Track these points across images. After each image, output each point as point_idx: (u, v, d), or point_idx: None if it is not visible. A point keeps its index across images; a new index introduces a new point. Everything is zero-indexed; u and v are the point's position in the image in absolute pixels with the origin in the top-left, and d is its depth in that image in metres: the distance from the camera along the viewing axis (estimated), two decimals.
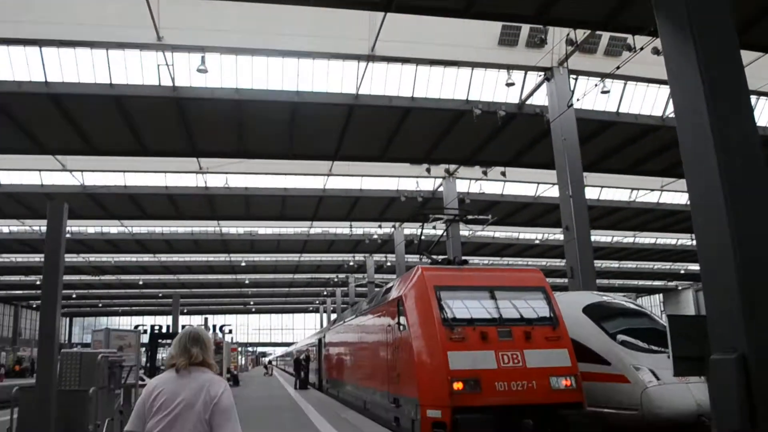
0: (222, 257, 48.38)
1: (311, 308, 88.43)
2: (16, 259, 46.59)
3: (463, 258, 14.20)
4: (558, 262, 47.73)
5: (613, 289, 62.32)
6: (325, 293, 67.66)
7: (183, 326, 20.26)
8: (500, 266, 41.15)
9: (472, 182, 29.10)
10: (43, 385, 7.88)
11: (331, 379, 25.25)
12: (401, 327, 12.01)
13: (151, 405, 3.38)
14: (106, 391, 9.09)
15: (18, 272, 52.67)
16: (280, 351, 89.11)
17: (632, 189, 31.78)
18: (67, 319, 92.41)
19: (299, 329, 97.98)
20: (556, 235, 39.00)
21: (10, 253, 44.35)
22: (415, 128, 21.97)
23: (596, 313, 12.77)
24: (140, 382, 12.14)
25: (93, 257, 47.06)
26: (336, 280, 55.65)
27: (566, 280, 18.45)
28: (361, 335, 17.26)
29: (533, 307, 11.49)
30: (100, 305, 79.67)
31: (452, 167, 27.89)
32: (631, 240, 44.48)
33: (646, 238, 44.59)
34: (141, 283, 57.44)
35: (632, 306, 13.48)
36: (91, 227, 38.76)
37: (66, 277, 51.41)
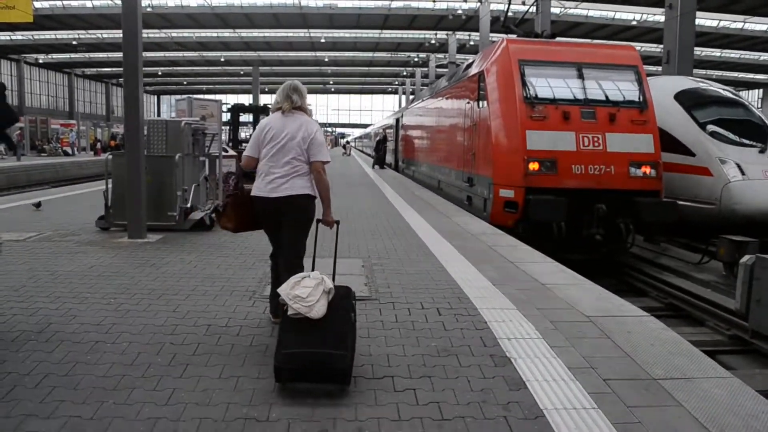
0: (301, 33, 47.69)
1: (390, 89, 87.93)
2: (101, 35, 47.50)
3: (552, 33, 13.28)
4: (654, 47, 44.35)
5: (710, 80, 58.16)
6: (404, 73, 66.55)
7: (264, 104, 20.64)
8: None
9: None
10: (132, 150, 8.31)
11: (406, 159, 25.76)
12: (480, 104, 11.73)
13: (264, 136, 4.47)
14: (191, 158, 9.53)
15: (105, 49, 54.06)
16: (358, 132, 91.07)
17: None
18: (155, 97, 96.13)
19: (378, 110, 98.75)
20: (656, 15, 35.74)
21: (95, 29, 45.17)
22: None
23: (689, 99, 11.99)
24: (224, 153, 12.69)
25: (175, 33, 47.36)
26: (416, 59, 54.29)
27: (660, 68, 17.22)
28: (438, 114, 17.10)
29: (622, 87, 10.87)
30: (185, 83, 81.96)
31: None
32: (739, 26, 40.29)
33: (757, 24, 40.26)
34: (223, 59, 58.08)
35: (729, 94, 12.50)
36: (171, 0, 38.55)
37: (149, 54, 52.62)
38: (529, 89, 10.51)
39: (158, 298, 5.26)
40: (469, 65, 13.96)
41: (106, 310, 4.89)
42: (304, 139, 4.40)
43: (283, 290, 3.67)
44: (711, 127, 11.27)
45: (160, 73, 68.44)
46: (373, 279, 6.16)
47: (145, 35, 8.66)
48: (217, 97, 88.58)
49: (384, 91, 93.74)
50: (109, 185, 9.03)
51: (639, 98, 10.76)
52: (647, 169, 10.37)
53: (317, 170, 4.40)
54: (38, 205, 11.04)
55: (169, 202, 8.89)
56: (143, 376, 3.61)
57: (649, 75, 11.74)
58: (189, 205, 9.10)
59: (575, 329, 4.61)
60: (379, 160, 30.88)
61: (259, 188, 4.46)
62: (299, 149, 4.39)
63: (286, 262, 4.39)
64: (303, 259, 4.47)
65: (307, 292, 3.60)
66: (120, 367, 3.73)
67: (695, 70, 21.27)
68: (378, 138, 34.33)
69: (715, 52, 49.46)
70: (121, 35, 8.30)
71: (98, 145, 48.39)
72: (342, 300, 3.72)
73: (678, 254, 11.25)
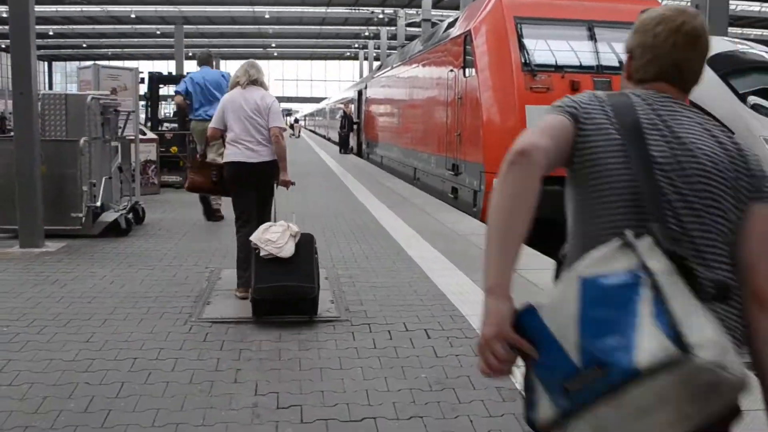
0: None
1: (349, 54, 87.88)
2: None
3: None
4: (679, 2, 45.24)
5: (749, 41, 59.49)
6: (366, 34, 66.54)
7: (187, 72, 20.47)
8: None
9: None
10: (22, 133, 8.13)
11: (372, 141, 25.83)
12: (467, 72, 11.78)
13: (227, 109, 6.14)
14: (100, 143, 9.36)
15: None
16: (309, 108, 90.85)
17: None
18: (46, 63, 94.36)
19: (333, 81, 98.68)
20: None
21: None
22: None
23: (725, 65, 12.22)
24: (141, 136, 12.53)
25: None
26: (381, 16, 54.35)
27: None
28: (412, 85, 17.14)
29: None
30: (85, 45, 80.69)
31: None
32: None
33: None
34: (133, 16, 57.31)
35: None
36: None
37: (39, 7, 51.72)
38: (528, 54, 10.58)
39: (65, 325, 5.16)
40: (452, 24, 14.03)
41: None
42: (264, 108, 6.09)
43: (255, 236, 5.36)
44: (753, 99, 11.51)
45: (51, 33, 67.15)
46: (341, 294, 6.15)
47: None
48: (128, 64, 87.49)
49: (341, 57, 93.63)
50: None
51: None
52: None
53: (275, 135, 6.11)
54: None
55: (73, 200, 8.70)
56: (52, 428, 3.53)
57: None
58: (99, 204, 8.95)
59: None
60: (344, 143, 30.87)
61: (234, 155, 6.10)
62: (262, 119, 6.08)
63: (260, 217, 6.08)
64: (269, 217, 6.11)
65: (276, 236, 5.30)
66: (21, 416, 3.64)
67: (731, 29, 21.70)
68: (340, 114, 34.28)
69: (754, 6, 50.48)
70: None
71: None
72: (307, 243, 5.45)
73: None
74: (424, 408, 3.80)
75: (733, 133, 2.01)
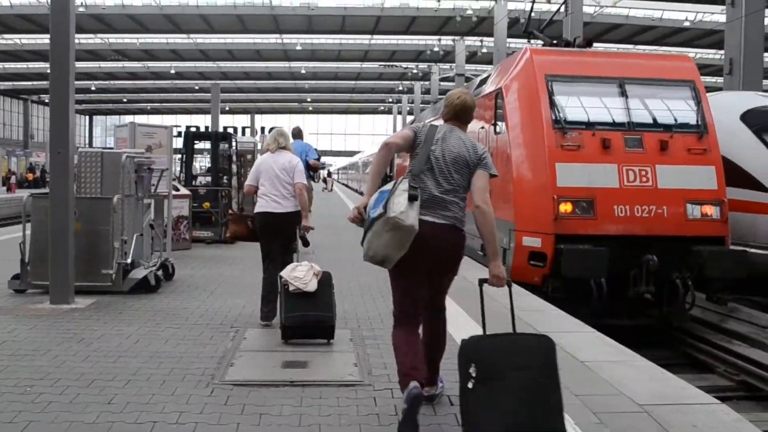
0: (272, 38, 48.26)
1: (382, 108, 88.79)
2: (21, 41, 47.99)
3: (587, 40, 13.47)
4: (712, 54, 45.15)
5: None
6: (400, 88, 67.25)
7: (225, 127, 20.78)
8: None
9: None
10: (58, 191, 8.28)
11: None
12: (498, 129, 11.81)
13: (260, 170, 7.51)
14: (133, 200, 9.52)
15: (24, 58, 54.48)
16: (342, 161, 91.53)
17: None
18: (87, 117, 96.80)
19: (367, 134, 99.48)
20: (714, 14, 36.47)
21: (13, 33, 45.64)
22: None
23: (759, 120, 12.12)
24: (174, 192, 12.72)
25: (114, 38, 47.93)
26: (415, 71, 54.96)
27: (720, 80, 17.45)
28: None
29: (675, 107, 10.97)
30: (125, 100, 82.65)
31: None
32: None
33: None
34: (173, 71, 58.70)
35: None
36: None
37: (80, 64, 53.15)
38: (558, 111, 10.59)
39: (89, 386, 5.18)
40: (483, 81, 14.11)
41: (21, 402, 4.81)
42: (290, 170, 7.44)
43: (285, 273, 6.61)
44: None
45: (93, 88, 68.98)
46: (365, 357, 6.10)
47: (76, 41, 8.76)
48: (167, 118, 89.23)
49: (375, 111, 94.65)
50: (27, 234, 8.98)
51: (697, 121, 10.84)
52: (709, 210, 10.39)
53: (299, 188, 7.43)
54: None
55: (104, 256, 8.82)
56: None
57: (707, 90, 11.87)
58: (129, 261, 9.04)
59: (626, 422, 4.56)
60: None
61: (263, 206, 7.39)
62: (288, 177, 7.39)
63: (284, 259, 7.33)
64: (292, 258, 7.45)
65: (302, 274, 6.58)
66: None
67: (765, 82, 21.51)
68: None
69: None
70: (47, 40, 8.36)
71: (12, 179, 48.27)
72: (326, 280, 6.69)
73: (750, 317, 11.19)
74: None
75: None
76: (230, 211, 14.88)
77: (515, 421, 3.62)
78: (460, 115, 4.80)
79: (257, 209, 7.46)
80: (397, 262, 4.36)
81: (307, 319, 6.43)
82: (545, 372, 3.82)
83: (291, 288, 6.49)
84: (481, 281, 4.49)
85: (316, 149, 13.97)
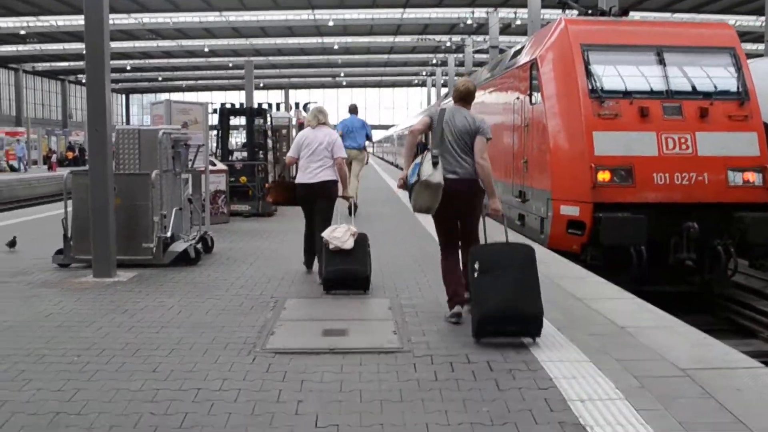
0: (304, 15, 48.21)
1: (416, 81, 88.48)
2: (57, 23, 48.51)
3: (623, 9, 13.28)
4: (752, 20, 44.12)
5: None
6: (434, 61, 66.82)
7: (259, 103, 20.86)
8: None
9: None
10: (97, 169, 8.40)
11: None
12: (533, 100, 11.72)
13: (302, 143, 8.30)
14: (171, 175, 9.61)
15: (61, 39, 55.10)
16: (377, 135, 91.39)
17: None
18: (123, 96, 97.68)
19: (401, 108, 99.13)
20: None
21: (49, 15, 46.17)
22: None
23: None
24: (211, 167, 12.82)
25: (148, 17, 48.24)
26: (449, 44, 54.56)
27: (761, 46, 17.11)
28: (480, 112, 16.85)
29: (715, 74, 10.84)
30: (160, 78, 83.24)
31: None
32: None
33: None
34: (207, 49, 58.96)
35: None
36: None
37: (116, 44, 53.63)
38: (595, 80, 10.51)
39: (133, 355, 5.28)
40: (518, 52, 13.99)
41: (68, 371, 4.91)
42: (329, 144, 8.23)
43: (326, 234, 7.51)
44: None
45: (129, 68, 69.62)
46: (403, 325, 6.14)
47: (110, 21, 8.85)
48: (201, 95, 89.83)
49: (409, 84, 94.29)
50: (69, 210, 9.13)
51: (738, 87, 10.70)
52: (751, 176, 10.28)
53: (339, 162, 8.28)
54: (12, 243, 10.49)
55: (144, 230, 8.95)
56: None
57: (748, 56, 11.66)
58: (169, 234, 9.16)
59: (668, 387, 4.52)
60: None
61: (302, 177, 8.25)
62: (327, 151, 8.20)
63: (322, 225, 7.95)
64: (330, 221, 8.21)
65: (341, 234, 7.46)
66: None
67: None
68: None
69: None
70: (82, 21, 8.46)
71: (53, 158, 48.98)
72: (362, 240, 7.52)
73: None
74: None
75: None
76: (270, 182, 15.79)
77: (505, 298, 5.32)
78: (465, 98, 6.47)
79: (297, 180, 8.40)
80: (437, 210, 6.14)
81: (344, 272, 7.35)
82: (525, 268, 5.50)
83: (331, 246, 7.38)
84: (484, 214, 6.48)
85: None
